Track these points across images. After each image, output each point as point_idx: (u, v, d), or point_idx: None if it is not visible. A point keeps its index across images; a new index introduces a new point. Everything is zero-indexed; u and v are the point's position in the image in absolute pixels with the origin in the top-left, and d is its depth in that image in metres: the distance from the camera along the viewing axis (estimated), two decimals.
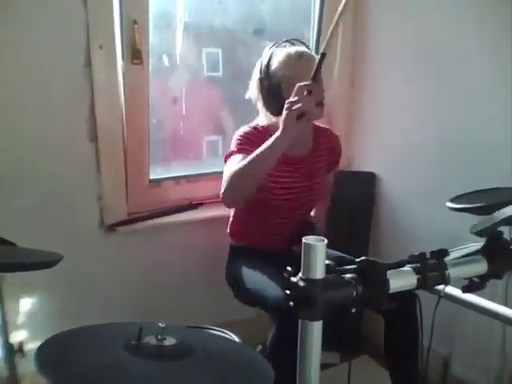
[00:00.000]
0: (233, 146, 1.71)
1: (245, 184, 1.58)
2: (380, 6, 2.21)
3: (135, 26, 1.83)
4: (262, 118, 1.76)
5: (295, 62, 1.65)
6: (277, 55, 1.68)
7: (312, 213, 1.95)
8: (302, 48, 1.71)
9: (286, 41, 1.73)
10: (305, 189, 1.79)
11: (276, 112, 1.65)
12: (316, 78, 1.52)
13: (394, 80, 2.18)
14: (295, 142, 1.58)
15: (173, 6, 2.03)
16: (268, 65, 1.68)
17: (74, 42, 1.77)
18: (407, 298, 1.37)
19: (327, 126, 1.96)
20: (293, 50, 1.68)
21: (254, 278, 1.70)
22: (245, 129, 1.75)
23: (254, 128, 1.75)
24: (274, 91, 1.66)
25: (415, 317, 1.57)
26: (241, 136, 1.72)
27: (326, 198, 2.01)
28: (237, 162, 1.61)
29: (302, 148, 1.80)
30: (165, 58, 2.09)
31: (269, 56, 1.69)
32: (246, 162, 1.55)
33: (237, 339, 1.42)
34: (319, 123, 1.88)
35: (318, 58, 1.57)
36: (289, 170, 1.76)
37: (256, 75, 1.72)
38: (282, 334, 1.46)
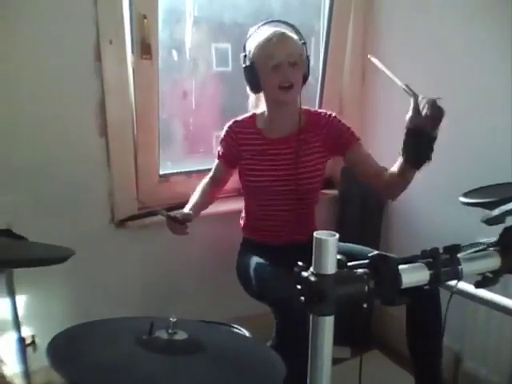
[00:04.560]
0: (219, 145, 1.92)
1: None
2: (391, 0, 2.19)
3: (145, 21, 1.84)
4: (251, 100, 1.88)
5: (266, 43, 1.71)
6: (253, 36, 1.75)
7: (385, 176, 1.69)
8: (278, 29, 1.74)
9: (267, 22, 1.77)
10: (292, 169, 1.78)
11: (254, 89, 1.79)
12: None
13: (406, 74, 2.15)
14: (277, 123, 1.81)
15: (182, 0, 2.02)
16: (245, 46, 1.76)
17: (84, 37, 1.78)
18: (428, 295, 1.35)
19: (322, 110, 1.92)
20: (268, 31, 1.73)
21: (259, 271, 1.70)
22: (226, 125, 1.88)
23: (235, 122, 1.86)
24: (249, 70, 1.75)
25: (439, 315, 1.57)
26: (222, 136, 1.90)
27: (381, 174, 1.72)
28: (216, 164, 1.92)
29: (285, 129, 1.81)
30: (174, 53, 2.09)
31: (247, 37, 1.77)
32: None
33: (248, 334, 1.42)
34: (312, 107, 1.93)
35: (294, 38, 1.73)
36: (269, 152, 1.80)
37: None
38: (285, 331, 1.46)
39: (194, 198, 1.86)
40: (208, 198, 1.92)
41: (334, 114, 1.85)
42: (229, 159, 1.88)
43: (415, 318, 1.65)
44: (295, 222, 1.82)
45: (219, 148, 1.91)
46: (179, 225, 1.70)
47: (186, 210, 1.78)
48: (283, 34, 1.72)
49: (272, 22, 1.78)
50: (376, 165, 1.76)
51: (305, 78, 1.78)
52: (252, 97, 1.87)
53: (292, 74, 1.70)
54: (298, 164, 1.77)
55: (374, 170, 1.74)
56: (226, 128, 1.88)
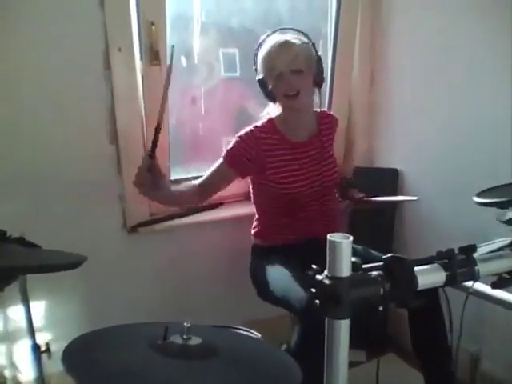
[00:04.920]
0: (226, 149, 1.78)
1: None
2: (399, 1, 2.19)
3: (153, 28, 1.84)
4: (270, 108, 1.86)
5: (267, 55, 1.72)
6: (260, 48, 1.76)
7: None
8: (281, 38, 1.73)
9: (274, 31, 1.77)
10: (317, 172, 1.81)
11: (271, 100, 1.81)
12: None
13: (415, 75, 2.15)
14: (298, 127, 1.81)
15: (189, 6, 2.03)
16: (255, 55, 1.77)
17: (93, 45, 1.79)
18: (432, 295, 1.35)
19: (322, 109, 1.99)
20: (273, 40, 1.73)
21: (278, 279, 1.69)
22: (244, 132, 1.79)
23: (255, 127, 1.79)
24: (261, 80, 1.77)
25: (441, 315, 1.56)
26: (235, 143, 1.77)
27: None
28: (218, 169, 1.77)
29: (306, 132, 1.85)
30: (183, 59, 2.09)
31: (256, 47, 1.77)
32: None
33: (262, 338, 1.41)
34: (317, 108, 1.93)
35: (297, 44, 1.71)
36: (296, 157, 1.79)
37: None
38: (308, 335, 1.44)
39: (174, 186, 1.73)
40: (182, 197, 1.75)
41: (337, 118, 1.99)
42: (242, 164, 1.75)
43: (417, 319, 1.64)
44: (323, 220, 1.82)
45: (230, 151, 1.75)
46: (148, 174, 1.49)
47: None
48: (284, 43, 1.71)
49: (279, 30, 1.78)
50: None
51: (318, 82, 1.78)
52: (271, 104, 1.86)
53: (297, 81, 1.70)
54: (322, 167, 1.82)
55: None
56: (245, 131, 1.77)
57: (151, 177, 1.50)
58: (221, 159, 1.78)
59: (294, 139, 1.81)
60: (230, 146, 1.77)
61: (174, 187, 1.71)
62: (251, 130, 1.78)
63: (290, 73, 1.69)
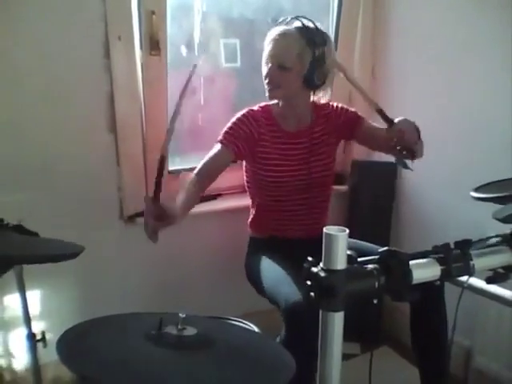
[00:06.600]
0: (222, 132, 1.75)
1: None
2: None
3: (153, 17, 1.83)
4: None
5: (267, 44, 1.72)
6: (267, 35, 1.75)
7: None
8: (284, 29, 1.69)
9: (287, 18, 1.73)
10: (306, 165, 1.79)
11: None
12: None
13: (416, 69, 2.15)
14: (290, 117, 1.81)
15: None
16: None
17: (93, 33, 1.78)
18: (433, 290, 1.36)
19: (328, 101, 1.91)
20: (275, 30, 1.71)
21: (269, 274, 1.69)
22: (241, 114, 1.80)
23: (251, 110, 1.80)
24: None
25: (443, 309, 1.56)
26: (231, 124, 1.77)
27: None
28: (214, 154, 1.70)
29: (298, 124, 1.83)
30: (183, 49, 2.08)
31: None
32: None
33: (257, 329, 1.42)
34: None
35: (293, 40, 1.66)
36: (286, 147, 1.80)
37: None
38: (291, 336, 1.45)
39: (180, 199, 1.53)
40: (196, 199, 1.65)
41: (340, 105, 1.89)
42: (239, 141, 1.73)
43: (419, 315, 1.64)
44: (308, 216, 1.83)
45: (227, 131, 1.74)
46: (158, 221, 1.34)
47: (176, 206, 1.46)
48: (279, 36, 1.68)
49: (292, 18, 1.72)
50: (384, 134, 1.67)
51: (308, 83, 1.71)
52: None
53: (279, 76, 1.69)
54: (310, 160, 1.80)
55: (383, 140, 1.67)
56: (242, 113, 1.79)
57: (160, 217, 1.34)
58: (216, 144, 1.74)
59: (286, 129, 1.82)
60: (227, 127, 1.76)
61: (182, 201, 1.53)
62: (248, 112, 1.80)
63: (277, 67, 1.69)
